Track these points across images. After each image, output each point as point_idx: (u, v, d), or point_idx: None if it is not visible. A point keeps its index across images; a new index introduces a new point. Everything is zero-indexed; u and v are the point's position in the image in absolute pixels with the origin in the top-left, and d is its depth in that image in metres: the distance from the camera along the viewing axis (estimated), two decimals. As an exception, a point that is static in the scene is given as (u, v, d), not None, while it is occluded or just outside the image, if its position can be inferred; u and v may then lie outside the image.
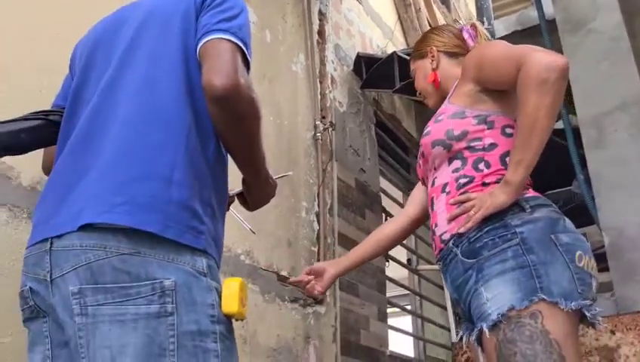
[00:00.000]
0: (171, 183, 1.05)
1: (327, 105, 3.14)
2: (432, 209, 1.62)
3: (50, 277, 1.05)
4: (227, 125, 1.13)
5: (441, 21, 5.29)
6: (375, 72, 3.42)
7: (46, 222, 1.09)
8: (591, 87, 2.28)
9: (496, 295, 1.40)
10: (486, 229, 1.46)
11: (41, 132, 1.26)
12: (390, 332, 3.31)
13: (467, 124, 1.57)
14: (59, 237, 1.04)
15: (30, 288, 1.10)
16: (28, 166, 1.57)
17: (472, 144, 1.55)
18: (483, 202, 1.46)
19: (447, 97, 1.68)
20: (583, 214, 2.49)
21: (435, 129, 1.61)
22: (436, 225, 1.60)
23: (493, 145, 1.54)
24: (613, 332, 1.90)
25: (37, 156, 1.59)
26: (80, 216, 1.02)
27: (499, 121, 1.55)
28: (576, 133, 2.38)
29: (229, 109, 1.09)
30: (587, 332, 1.96)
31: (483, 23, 3.72)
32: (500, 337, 1.38)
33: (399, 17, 4.54)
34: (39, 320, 1.11)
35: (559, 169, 2.84)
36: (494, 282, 1.41)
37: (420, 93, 1.86)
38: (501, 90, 1.52)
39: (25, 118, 1.26)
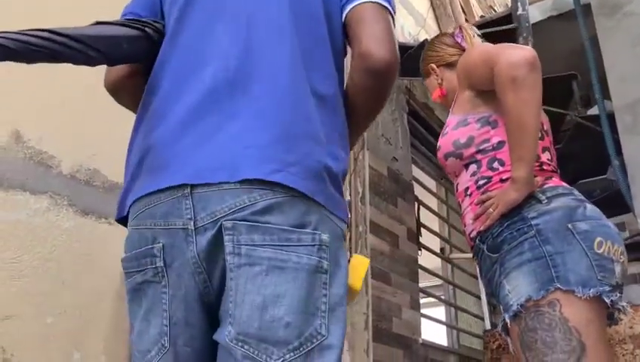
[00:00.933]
0: (330, 152, 0.97)
1: (359, 94, 3.14)
2: (461, 211, 1.69)
3: (195, 225, 0.91)
4: (371, 98, 1.07)
5: (475, 7, 5.22)
6: (407, 60, 3.39)
7: (179, 166, 0.94)
8: (627, 71, 2.24)
9: (516, 286, 1.44)
10: (506, 224, 1.50)
11: (139, 44, 1.08)
12: (424, 321, 3.32)
13: (472, 130, 1.62)
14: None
15: (163, 245, 0.94)
16: (68, 154, 1.64)
17: (482, 147, 1.61)
18: (499, 200, 1.51)
19: (450, 109, 1.75)
20: (620, 202, 2.45)
21: (444, 142, 1.69)
22: (465, 225, 1.67)
23: (501, 143, 1.58)
24: (647, 321, 1.88)
25: (77, 144, 1.66)
26: (239, 167, 0.91)
27: (501, 118, 1.59)
28: (612, 118, 2.33)
29: (383, 83, 1.04)
30: (621, 320, 1.94)
31: (517, 9, 3.65)
32: (521, 326, 1.42)
33: (432, 4, 4.50)
34: (159, 285, 0.95)
35: (595, 156, 2.80)
36: (514, 274, 1.46)
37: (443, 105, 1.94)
38: (495, 90, 1.55)
39: (124, 24, 1.08)
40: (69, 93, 1.67)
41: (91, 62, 1.01)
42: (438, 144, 1.72)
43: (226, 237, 0.89)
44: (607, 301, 1.37)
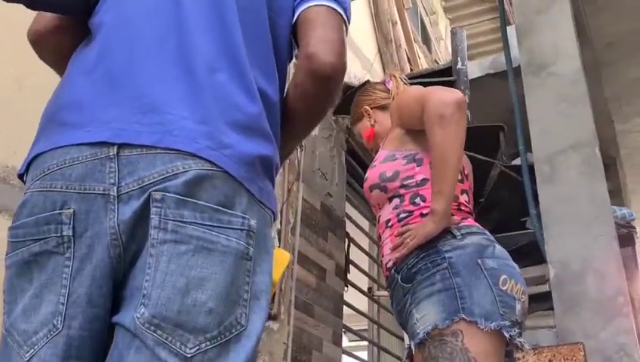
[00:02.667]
0: (266, 144, 0.93)
1: (299, 126, 3.20)
2: (380, 242, 1.75)
3: (118, 191, 0.83)
4: (313, 104, 1.03)
5: (422, 60, 5.44)
6: (348, 99, 3.49)
7: (101, 121, 0.86)
8: (548, 125, 2.38)
9: (424, 315, 1.50)
10: (421, 256, 1.57)
11: None
12: (346, 360, 3.32)
13: (398, 165, 1.70)
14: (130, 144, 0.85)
15: (74, 211, 0.83)
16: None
17: (406, 182, 1.68)
18: (416, 231, 1.57)
19: (381, 145, 1.82)
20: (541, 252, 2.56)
21: (371, 174, 1.75)
22: (383, 256, 1.72)
23: (424, 181, 1.67)
24: (551, 362, 1.95)
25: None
26: (170, 134, 0.84)
27: (426, 157, 1.69)
28: (533, 170, 2.46)
29: (327, 88, 1.00)
30: (527, 360, 2.01)
31: (457, 62, 3.84)
32: (424, 354, 1.47)
33: (379, 50, 4.67)
34: (62, 257, 0.84)
35: (517, 205, 2.92)
36: (424, 304, 1.52)
37: (372, 150, 2.01)
38: (423, 130, 1.65)
39: None
40: None
41: None
42: (366, 175, 1.79)
43: (153, 209, 0.82)
44: (507, 335, 1.44)
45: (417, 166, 1.69)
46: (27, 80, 1.72)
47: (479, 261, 1.51)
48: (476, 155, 2.70)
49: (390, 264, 1.67)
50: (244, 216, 0.85)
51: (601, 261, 2.08)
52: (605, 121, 4.10)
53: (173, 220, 0.81)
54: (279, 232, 2.89)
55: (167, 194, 0.82)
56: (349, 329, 3.67)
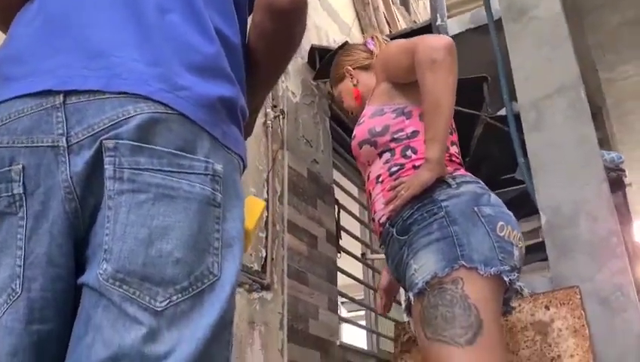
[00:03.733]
0: (228, 85, 0.88)
1: (280, 94, 3.14)
2: (371, 200, 1.70)
3: (68, 141, 0.78)
4: (273, 43, 1.00)
5: (401, 22, 5.36)
6: (328, 62, 3.43)
7: (45, 70, 0.81)
8: (531, 71, 2.34)
9: (423, 265, 1.47)
10: (417, 206, 1.54)
11: None
12: (346, 326, 3.30)
13: (387, 119, 1.66)
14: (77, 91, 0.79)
15: (24, 166, 0.78)
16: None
17: (396, 136, 1.65)
18: (411, 182, 1.54)
19: (367, 101, 1.75)
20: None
21: (359, 131, 1.71)
22: (375, 212, 1.68)
23: (415, 133, 1.64)
24: (547, 308, 1.93)
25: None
26: (119, 77, 0.79)
27: (415, 110, 1.66)
28: (519, 119, 2.42)
29: (286, 25, 0.97)
30: (523, 308, 1.99)
31: (436, 19, 3.76)
32: (424, 303, 1.44)
33: (357, 14, 4.58)
34: (15, 217, 0.79)
35: (506, 156, 2.89)
36: (421, 253, 1.49)
37: (352, 113, 1.97)
38: (410, 83, 1.63)
39: None
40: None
41: None
42: (354, 133, 1.74)
43: (106, 159, 0.77)
44: (507, 279, 1.43)
45: (407, 119, 1.66)
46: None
47: (476, 208, 1.49)
48: (461, 109, 2.65)
49: (384, 219, 1.63)
50: (208, 160, 0.81)
51: (592, 203, 2.05)
52: (589, 69, 4.04)
53: (129, 168, 0.77)
54: (266, 202, 2.84)
55: (120, 141, 0.77)
56: (348, 298, 3.66)
